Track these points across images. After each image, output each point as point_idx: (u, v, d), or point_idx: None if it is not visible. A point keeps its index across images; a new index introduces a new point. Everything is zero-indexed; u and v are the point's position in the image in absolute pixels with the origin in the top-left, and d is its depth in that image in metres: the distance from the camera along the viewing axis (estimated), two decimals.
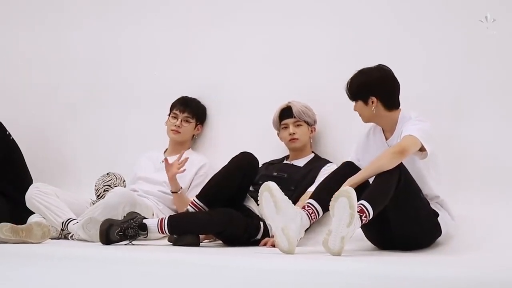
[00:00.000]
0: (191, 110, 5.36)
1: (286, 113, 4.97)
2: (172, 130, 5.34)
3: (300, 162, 4.94)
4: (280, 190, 4.05)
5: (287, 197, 4.06)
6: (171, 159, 5.11)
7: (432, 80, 4.85)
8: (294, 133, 4.93)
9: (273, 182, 4.07)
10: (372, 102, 4.27)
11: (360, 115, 4.37)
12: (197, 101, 5.43)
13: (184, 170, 4.96)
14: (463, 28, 4.80)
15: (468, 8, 4.79)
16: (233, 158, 4.73)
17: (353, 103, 4.35)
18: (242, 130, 5.31)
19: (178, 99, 5.40)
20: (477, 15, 4.74)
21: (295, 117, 4.94)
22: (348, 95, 4.34)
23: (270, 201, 4.02)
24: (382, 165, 4.07)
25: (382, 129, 4.42)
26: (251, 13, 5.46)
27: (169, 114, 5.39)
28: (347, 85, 4.33)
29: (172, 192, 5.05)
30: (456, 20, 4.83)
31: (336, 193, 3.92)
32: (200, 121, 5.42)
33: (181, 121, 5.34)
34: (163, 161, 5.22)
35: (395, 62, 4.84)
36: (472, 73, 4.76)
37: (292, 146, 4.97)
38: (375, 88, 4.28)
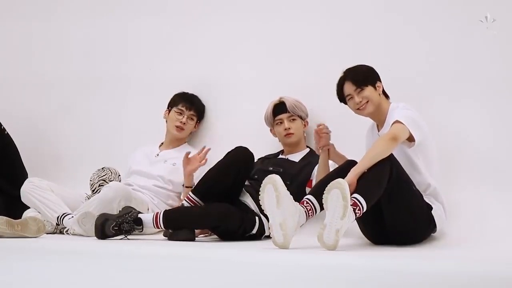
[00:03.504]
0: (196, 108, 5.36)
1: (279, 108, 4.97)
2: (176, 126, 5.32)
3: (296, 157, 4.94)
4: (284, 185, 4.06)
5: (289, 192, 4.07)
6: (168, 153, 5.17)
7: (426, 72, 4.86)
8: (289, 128, 4.94)
9: (278, 176, 4.07)
10: (379, 87, 4.39)
11: (368, 103, 4.39)
12: (199, 98, 5.43)
13: (206, 161, 4.94)
14: (457, 19, 4.81)
15: (465, 2, 4.82)
16: (228, 153, 4.74)
17: (355, 95, 4.36)
18: (237, 125, 5.32)
19: (181, 95, 5.37)
20: (470, 6, 4.75)
21: (289, 112, 4.94)
22: (355, 83, 4.36)
23: (272, 194, 4.02)
24: (379, 153, 4.09)
25: (376, 124, 4.46)
26: (246, 9, 5.46)
27: (170, 108, 5.37)
28: (350, 75, 4.38)
29: (186, 187, 5.02)
30: (451, 11, 4.84)
31: (329, 185, 3.93)
32: (200, 119, 5.43)
33: (187, 118, 5.33)
34: (158, 155, 5.24)
35: (388, 55, 4.88)
36: (467, 65, 4.77)
37: (288, 141, 4.97)
38: (377, 74, 4.42)
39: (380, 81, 4.43)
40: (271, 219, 4.06)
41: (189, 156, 4.97)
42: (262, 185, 4.08)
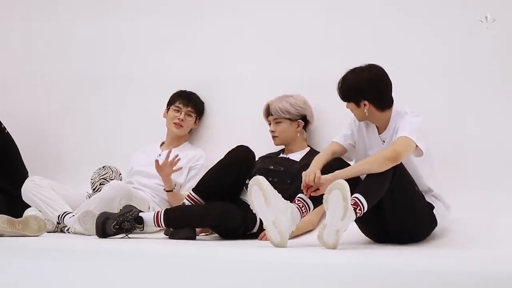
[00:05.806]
0: (194, 104, 5.37)
1: (266, 111, 5.04)
2: (175, 123, 5.32)
3: (296, 156, 4.95)
4: (269, 184, 4.07)
5: (276, 191, 4.08)
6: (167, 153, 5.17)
7: (428, 74, 4.86)
8: (273, 131, 4.98)
9: (261, 176, 4.09)
10: (364, 105, 4.24)
11: (353, 115, 4.36)
12: (197, 96, 5.44)
13: (181, 168, 4.96)
14: (459, 21, 4.81)
15: (465, 2, 4.82)
16: (229, 152, 4.75)
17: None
18: (238, 123, 5.32)
19: (179, 93, 5.39)
20: (473, 9, 4.75)
21: (272, 115, 4.97)
22: (339, 95, 4.30)
23: (259, 194, 4.03)
24: (373, 168, 4.06)
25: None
26: (245, 8, 5.46)
27: (169, 107, 5.37)
28: (338, 85, 4.30)
29: (167, 191, 5.04)
30: (452, 14, 4.84)
31: (329, 186, 3.93)
32: (199, 116, 5.43)
33: (184, 115, 5.34)
34: (160, 155, 5.25)
35: (391, 54, 4.88)
36: (468, 66, 4.77)
37: (274, 143, 5.00)
38: (366, 92, 4.23)
39: (369, 98, 4.21)
40: (263, 220, 4.07)
41: (160, 163, 4.93)
42: (248, 189, 4.09)
